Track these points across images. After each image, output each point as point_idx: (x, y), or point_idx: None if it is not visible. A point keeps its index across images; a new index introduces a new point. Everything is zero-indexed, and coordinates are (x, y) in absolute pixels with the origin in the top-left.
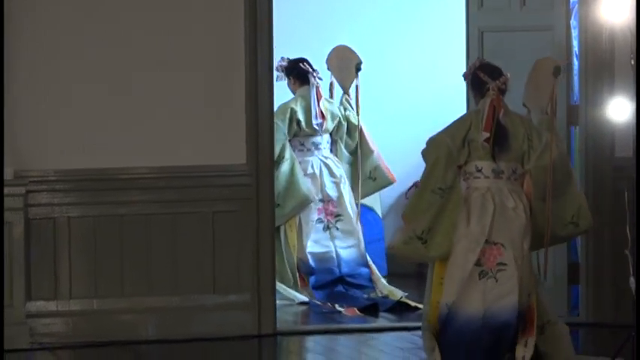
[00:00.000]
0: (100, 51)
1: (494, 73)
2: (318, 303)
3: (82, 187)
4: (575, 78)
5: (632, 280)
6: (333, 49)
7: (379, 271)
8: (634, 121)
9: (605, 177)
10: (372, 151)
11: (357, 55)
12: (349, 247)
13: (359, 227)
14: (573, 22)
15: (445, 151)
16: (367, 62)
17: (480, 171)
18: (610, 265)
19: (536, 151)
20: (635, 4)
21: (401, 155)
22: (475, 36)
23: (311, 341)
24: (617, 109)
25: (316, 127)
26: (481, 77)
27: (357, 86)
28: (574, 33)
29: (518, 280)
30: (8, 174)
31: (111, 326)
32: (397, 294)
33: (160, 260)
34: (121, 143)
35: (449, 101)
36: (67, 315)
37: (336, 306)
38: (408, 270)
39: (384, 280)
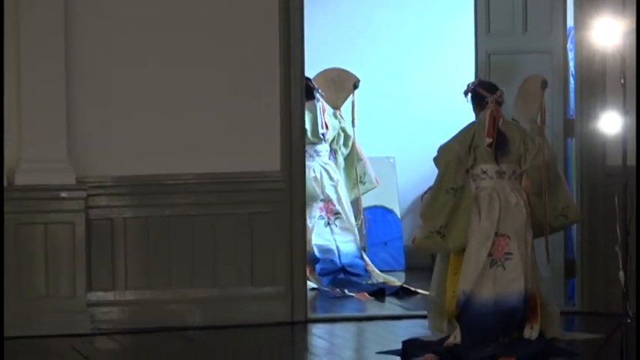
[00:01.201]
0: (153, 66)
1: (492, 88)
2: (327, 289)
3: (136, 192)
4: (571, 95)
5: (621, 274)
6: (320, 73)
7: (397, 265)
8: (623, 133)
9: (597, 183)
10: (360, 159)
11: (354, 75)
12: (348, 241)
13: (355, 224)
14: (570, 46)
15: (454, 156)
16: (389, 79)
17: (485, 173)
18: (602, 260)
19: (531, 153)
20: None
21: (417, 162)
22: (483, 58)
23: (338, 327)
24: (608, 123)
25: (321, 136)
26: (480, 92)
27: (353, 102)
28: (570, 55)
29: (523, 267)
30: (70, 179)
31: (161, 314)
32: (394, 281)
33: (203, 256)
34: (169, 151)
35: (459, 115)
36: (123, 304)
37: (346, 291)
38: (423, 264)
39: (377, 271)
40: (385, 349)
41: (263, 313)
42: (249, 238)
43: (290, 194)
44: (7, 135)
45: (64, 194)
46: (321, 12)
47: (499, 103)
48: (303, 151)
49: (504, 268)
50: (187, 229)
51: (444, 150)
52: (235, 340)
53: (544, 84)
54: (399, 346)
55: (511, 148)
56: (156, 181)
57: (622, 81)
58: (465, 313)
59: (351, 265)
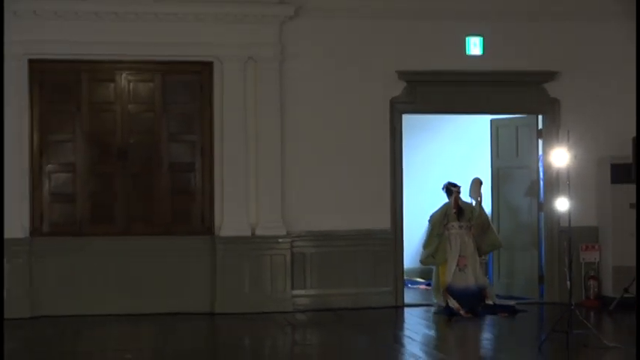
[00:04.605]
0: (323, 170)
1: (455, 185)
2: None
3: (316, 239)
4: (541, 190)
5: (568, 282)
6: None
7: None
8: (568, 210)
9: (554, 235)
10: None
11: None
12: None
13: None
14: (540, 164)
15: (439, 219)
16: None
17: (453, 226)
18: (557, 275)
19: (474, 217)
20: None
21: None
22: (495, 171)
23: (422, 310)
24: (560, 205)
25: None
26: (450, 188)
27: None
28: (541, 169)
29: (473, 272)
30: (283, 232)
31: (328, 301)
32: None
33: (350, 272)
34: (332, 215)
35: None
36: (309, 296)
37: (409, 285)
38: None
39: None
40: (439, 313)
41: (381, 301)
42: (374, 263)
43: (395, 242)
44: (250, 207)
45: (280, 240)
46: (412, 143)
47: (459, 192)
48: (402, 218)
49: (465, 273)
50: (342, 258)
51: (433, 217)
52: (366, 315)
53: (481, 182)
54: (446, 311)
55: (465, 214)
56: (325, 233)
57: (567, 182)
58: (452, 292)
59: None
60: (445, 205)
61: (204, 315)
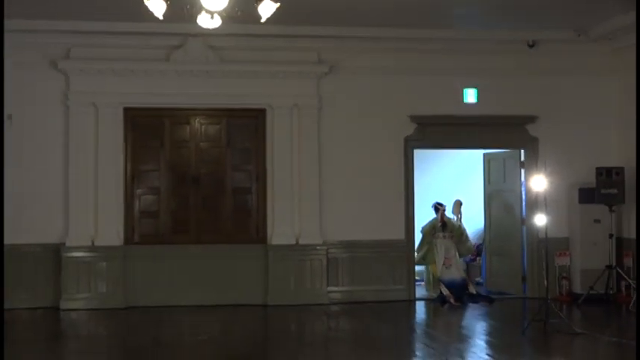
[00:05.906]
0: (348, 189)
1: (441, 205)
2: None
3: (345, 246)
4: (523, 207)
5: (545, 282)
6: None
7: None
8: (545, 224)
9: (534, 244)
10: None
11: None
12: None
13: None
14: (522, 188)
15: (429, 230)
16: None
17: (439, 236)
18: (537, 276)
19: (455, 228)
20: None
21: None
22: (488, 195)
23: (428, 302)
24: (538, 220)
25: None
26: (437, 206)
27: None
28: (523, 192)
29: (456, 269)
30: (320, 241)
31: (357, 295)
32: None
33: (373, 273)
34: (358, 227)
35: (477, 219)
36: (341, 292)
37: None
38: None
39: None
40: (434, 302)
41: (398, 296)
42: (391, 266)
43: (407, 249)
44: (295, 222)
45: (318, 247)
46: (422, 168)
47: (444, 210)
48: (414, 229)
49: (450, 270)
50: (367, 261)
51: (424, 228)
52: (386, 307)
53: (460, 203)
54: (440, 299)
55: (448, 227)
56: (352, 243)
57: (544, 203)
58: (443, 283)
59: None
60: (433, 219)
61: (258, 306)
